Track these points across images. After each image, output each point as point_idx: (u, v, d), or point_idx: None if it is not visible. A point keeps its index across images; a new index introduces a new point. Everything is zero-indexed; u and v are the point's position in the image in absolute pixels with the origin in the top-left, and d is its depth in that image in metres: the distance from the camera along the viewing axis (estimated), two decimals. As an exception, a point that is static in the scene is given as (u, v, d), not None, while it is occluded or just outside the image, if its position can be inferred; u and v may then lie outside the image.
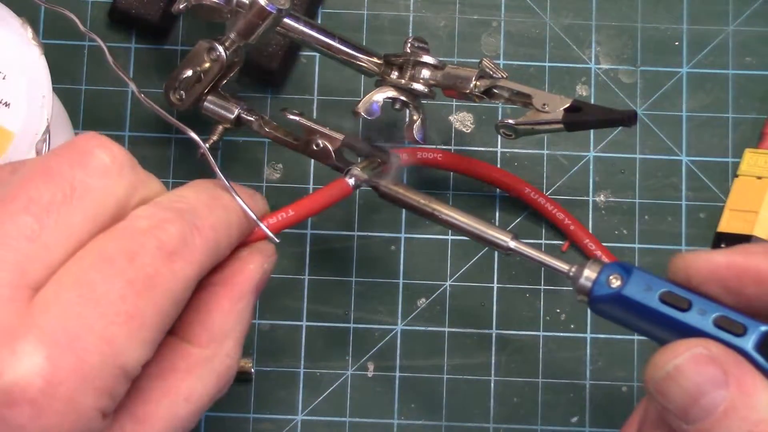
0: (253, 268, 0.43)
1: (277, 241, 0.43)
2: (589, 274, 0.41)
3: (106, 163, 0.39)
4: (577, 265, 0.42)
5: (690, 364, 0.37)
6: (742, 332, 0.38)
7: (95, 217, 0.38)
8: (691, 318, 0.39)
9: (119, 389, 0.36)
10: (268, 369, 0.54)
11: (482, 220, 0.45)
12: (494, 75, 0.49)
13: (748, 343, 0.38)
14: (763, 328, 0.38)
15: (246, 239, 0.43)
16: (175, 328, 0.41)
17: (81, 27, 0.45)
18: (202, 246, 0.39)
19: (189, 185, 0.42)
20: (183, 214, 0.39)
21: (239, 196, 0.42)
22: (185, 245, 0.38)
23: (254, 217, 0.43)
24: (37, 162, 0.39)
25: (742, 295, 0.39)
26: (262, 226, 0.43)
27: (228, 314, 0.41)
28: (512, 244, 0.44)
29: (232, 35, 0.47)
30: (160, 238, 0.38)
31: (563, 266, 0.42)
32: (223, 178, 0.43)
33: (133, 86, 0.45)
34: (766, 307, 0.39)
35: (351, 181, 0.46)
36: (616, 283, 0.40)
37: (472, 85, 0.49)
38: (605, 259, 0.53)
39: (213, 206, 0.41)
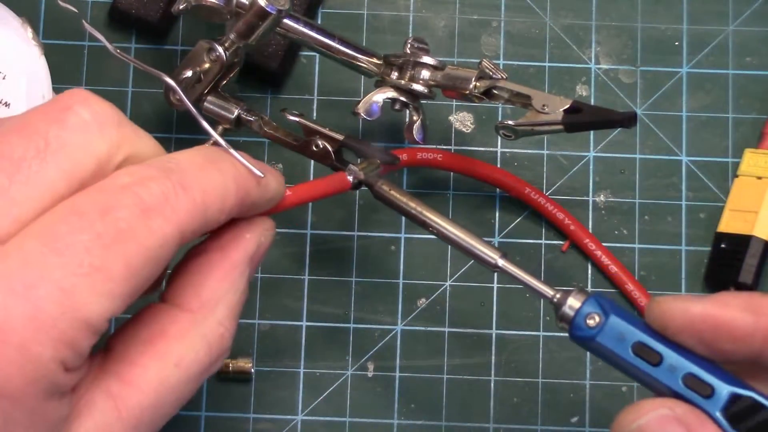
0: (249, 237, 0.42)
1: (261, 175, 0.42)
2: (572, 303, 0.41)
3: (86, 119, 0.38)
4: (562, 292, 0.42)
5: (654, 425, 0.38)
6: (709, 393, 0.38)
7: (71, 174, 0.37)
8: (661, 374, 0.39)
9: (82, 342, 0.36)
10: (268, 369, 0.54)
11: (474, 235, 0.45)
12: (494, 76, 0.49)
13: (715, 405, 0.38)
14: (730, 390, 0.38)
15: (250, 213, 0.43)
16: (167, 295, 0.41)
17: (87, 27, 0.44)
18: (186, 205, 0.38)
19: (189, 149, 0.41)
20: (170, 173, 0.38)
21: (239, 156, 0.41)
22: (166, 202, 0.37)
23: (246, 163, 0.41)
24: (17, 118, 0.39)
25: (717, 349, 0.39)
26: (244, 161, 0.41)
27: (221, 281, 0.41)
28: (500, 262, 0.44)
29: (232, 36, 0.47)
30: (139, 194, 0.37)
31: (548, 291, 0.43)
32: (220, 139, 0.42)
33: (152, 70, 0.44)
34: (742, 360, 0.39)
35: (350, 179, 0.46)
36: (592, 323, 0.40)
37: (471, 86, 0.49)
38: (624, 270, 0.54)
39: (207, 169, 0.40)
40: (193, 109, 0.43)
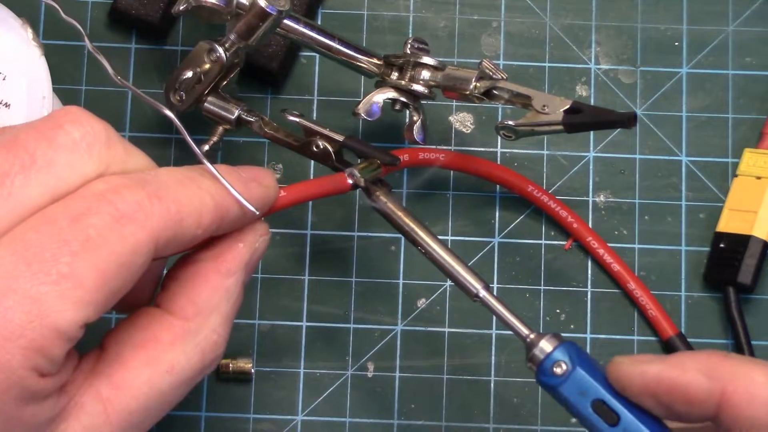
0: (242, 246, 0.42)
1: (256, 212, 0.42)
2: (544, 346, 0.42)
3: (74, 139, 0.38)
4: (536, 333, 0.42)
5: None
6: None
7: (55, 191, 0.37)
8: None
9: (53, 349, 0.36)
10: (268, 369, 0.54)
11: (461, 261, 0.45)
12: (494, 76, 0.49)
13: None
14: None
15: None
16: (162, 300, 0.41)
17: (89, 45, 0.45)
18: (160, 214, 0.38)
19: (173, 167, 0.41)
20: (145, 184, 0.38)
21: (219, 173, 0.41)
22: (139, 210, 0.37)
23: (227, 183, 0.41)
24: (11, 130, 0.39)
25: (674, 411, 0.40)
26: (234, 192, 0.41)
27: (215, 289, 0.41)
28: (482, 293, 0.44)
29: (232, 36, 0.47)
30: (112, 201, 0.37)
31: (523, 331, 0.43)
32: (204, 159, 0.42)
33: (150, 100, 0.44)
34: (700, 420, 0.40)
35: (350, 180, 0.46)
36: (559, 371, 0.41)
37: (472, 87, 0.49)
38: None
39: (185, 183, 0.40)
40: (188, 137, 0.43)
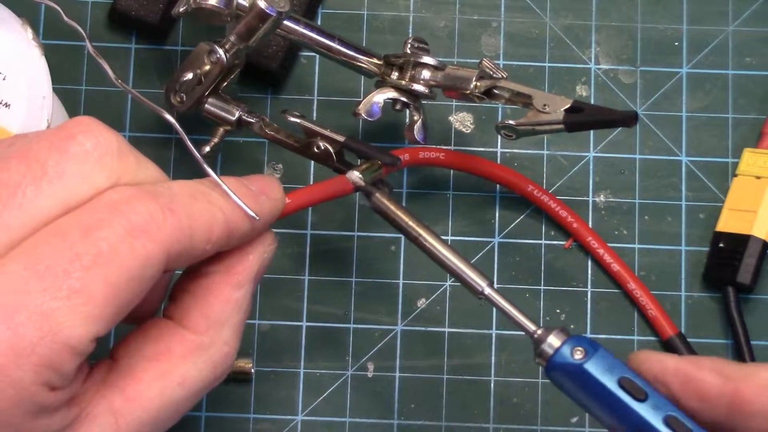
0: (252, 257, 0.42)
1: (257, 217, 0.42)
2: (552, 341, 0.41)
3: (87, 149, 0.38)
4: (544, 328, 0.42)
5: None
6: None
7: (65, 202, 0.37)
8: (644, 410, 0.40)
9: (64, 364, 0.36)
10: (268, 369, 0.54)
11: (464, 259, 0.45)
12: (494, 75, 0.49)
13: None
14: None
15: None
16: (173, 314, 0.41)
17: (90, 48, 0.45)
18: (172, 228, 0.38)
19: (185, 180, 0.42)
20: (158, 196, 0.38)
21: (226, 185, 0.41)
22: (152, 222, 0.37)
23: (228, 189, 0.41)
24: (24, 140, 0.39)
25: (685, 406, 0.40)
26: (236, 198, 0.41)
27: (226, 302, 0.41)
28: (487, 290, 0.44)
29: (233, 38, 0.47)
30: (125, 213, 0.37)
31: (531, 326, 0.43)
32: (212, 173, 0.42)
33: (152, 105, 0.44)
34: (707, 420, 0.40)
35: (352, 184, 0.46)
36: (578, 355, 0.41)
37: (472, 86, 0.49)
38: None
39: (197, 197, 0.40)
40: (190, 145, 0.43)
